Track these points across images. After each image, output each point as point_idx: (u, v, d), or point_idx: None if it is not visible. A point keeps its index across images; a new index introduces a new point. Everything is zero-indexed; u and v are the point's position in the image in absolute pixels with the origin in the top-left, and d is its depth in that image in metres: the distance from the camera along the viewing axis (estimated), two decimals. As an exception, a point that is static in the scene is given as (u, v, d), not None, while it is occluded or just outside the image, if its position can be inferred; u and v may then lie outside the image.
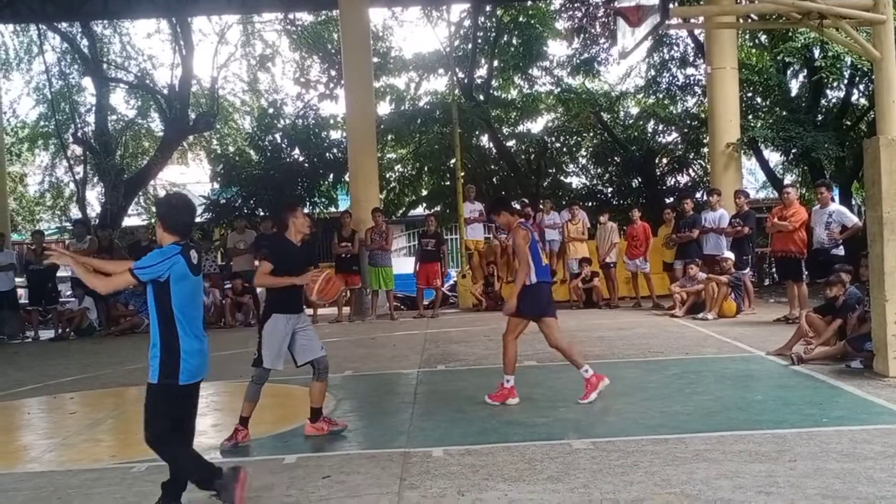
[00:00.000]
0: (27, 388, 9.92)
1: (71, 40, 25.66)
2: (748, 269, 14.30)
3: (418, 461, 5.80)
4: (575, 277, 16.09)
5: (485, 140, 25.90)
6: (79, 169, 26.23)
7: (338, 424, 6.93)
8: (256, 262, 15.45)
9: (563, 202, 20.57)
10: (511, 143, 26.49)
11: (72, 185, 27.49)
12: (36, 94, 27.50)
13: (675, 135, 24.83)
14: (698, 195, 21.37)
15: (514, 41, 25.33)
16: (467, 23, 25.39)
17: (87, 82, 26.97)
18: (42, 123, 28.13)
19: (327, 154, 24.06)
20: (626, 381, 8.51)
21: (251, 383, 6.76)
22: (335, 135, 24.80)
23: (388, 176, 25.33)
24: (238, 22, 26.61)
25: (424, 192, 26.45)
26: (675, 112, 24.51)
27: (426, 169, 25.59)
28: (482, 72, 26.09)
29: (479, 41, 25.35)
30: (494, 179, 25.54)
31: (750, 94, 20.94)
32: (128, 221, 26.23)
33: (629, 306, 15.82)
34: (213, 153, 28.03)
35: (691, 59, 23.27)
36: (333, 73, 24.87)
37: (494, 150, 25.99)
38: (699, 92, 23.14)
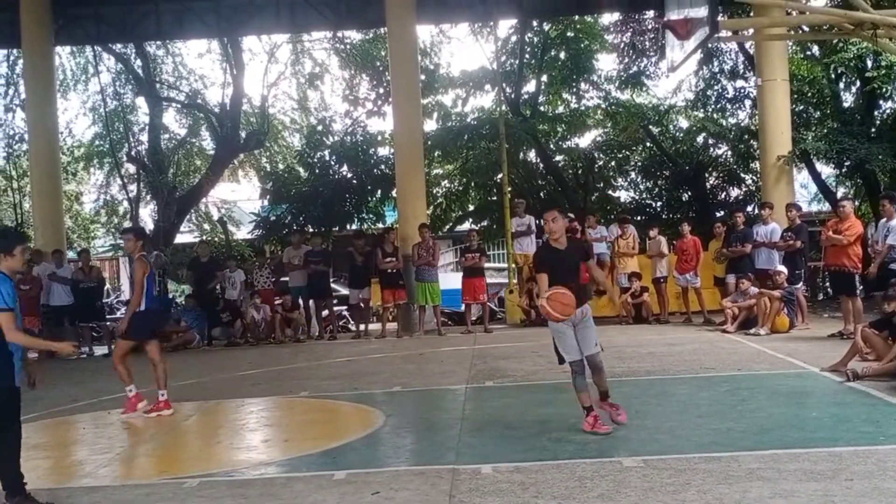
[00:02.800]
0: (82, 404, 10.08)
1: (125, 61, 26.21)
2: (801, 283, 14.06)
3: (467, 478, 5.78)
4: (625, 292, 15.93)
5: (532, 155, 25.86)
6: (132, 187, 26.76)
7: (615, 416, 7.10)
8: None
9: (612, 216, 20.47)
10: (559, 157, 26.42)
11: (126, 203, 28.04)
12: (91, 114, 28.16)
13: (725, 148, 24.59)
14: (749, 209, 21.11)
15: (562, 56, 25.30)
16: (514, 38, 25.41)
17: (141, 102, 27.61)
18: (97, 143, 28.69)
19: (375, 170, 24.24)
20: (677, 398, 8.40)
21: (575, 376, 7.02)
22: (383, 151, 24.98)
23: (434, 192, 25.40)
24: (288, 41, 26.99)
25: (471, 208, 26.48)
26: (725, 125, 24.27)
27: (473, 184, 25.61)
28: (529, 87, 26.11)
29: (527, 56, 25.35)
30: (542, 194, 25.47)
31: (802, 106, 20.67)
32: (180, 238, 26.62)
33: (679, 322, 15.63)
34: (263, 170, 28.44)
35: (741, 71, 23.05)
36: (381, 90, 25.06)
37: (542, 165, 25.94)
38: (749, 104, 22.89)
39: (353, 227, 24.85)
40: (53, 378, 12.98)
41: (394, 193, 20.67)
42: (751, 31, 15.36)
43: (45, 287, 16.24)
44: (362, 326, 16.65)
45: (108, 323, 17.62)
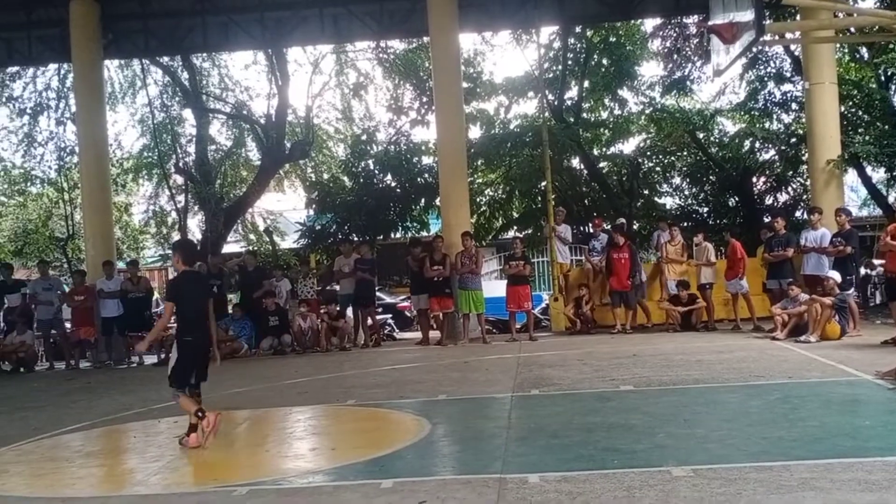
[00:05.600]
0: (133, 412, 10.21)
1: (172, 74, 26.60)
2: (852, 289, 13.83)
3: (514, 487, 5.75)
4: (673, 300, 15.77)
5: (576, 162, 25.78)
6: (180, 198, 27.14)
7: None
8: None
9: (657, 223, 20.34)
10: (603, 163, 26.30)
11: (174, 214, 28.42)
12: (139, 126, 28.56)
13: (772, 152, 24.28)
14: (798, 213, 20.82)
15: (605, 62, 25.20)
16: (557, 45, 25.40)
17: (188, 114, 27.96)
18: (145, 154, 29.12)
19: (419, 179, 24.33)
20: (726, 407, 8.29)
21: None
22: (426, 160, 25.07)
23: (478, 200, 25.41)
24: (332, 52, 27.18)
25: (515, 216, 26.44)
26: (772, 129, 23.96)
27: (516, 192, 25.58)
28: (572, 93, 26.04)
29: (569, 63, 25.29)
30: (586, 201, 25.37)
31: (851, 110, 20.33)
32: (227, 248, 26.93)
33: (728, 329, 15.45)
34: (309, 180, 28.67)
35: (788, 74, 22.74)
36: (425, 99, 25.16)
37: (586, 172, 25.84)
38: (797, 108, 22.58)
39: (397, 235, 24.97)
40: (104, 387, 13.21)
41: (437, 202, 20.70)
42: (798, 33, 15.17)
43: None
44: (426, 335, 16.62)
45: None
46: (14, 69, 25.88)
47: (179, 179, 27.57)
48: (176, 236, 29.14)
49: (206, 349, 8.08)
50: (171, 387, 7.88)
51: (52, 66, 25.69)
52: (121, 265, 19.35)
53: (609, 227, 17.38)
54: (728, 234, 16.10)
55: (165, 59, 25.58)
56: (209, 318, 8.05)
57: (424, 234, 24.32)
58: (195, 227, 28.86)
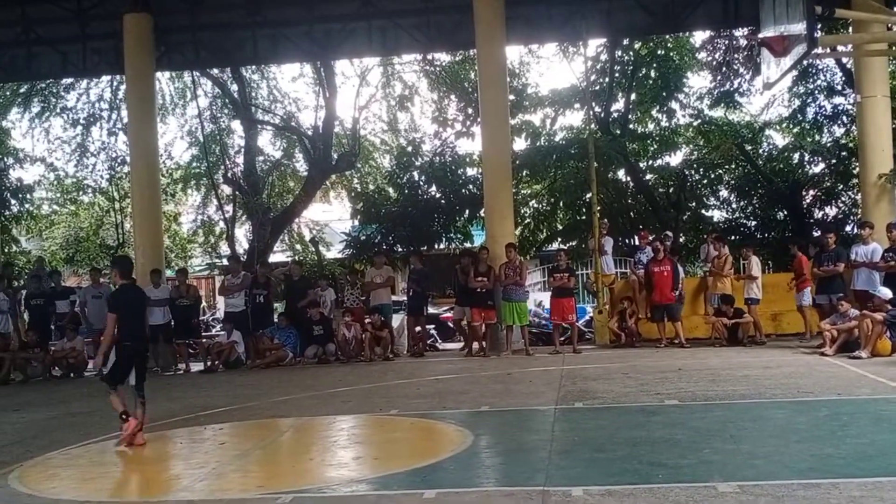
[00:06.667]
0: (179, 419, 10.35)
1: (222, 85, 26.94)
2: (904, 305, 13.57)
3: (558, 500, 5.72)
4: (718, 314, 15.60)
5: (622, 174, 25.64)
6: (228, 208, 27.47)
7: None
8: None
9: (704, 236, 20.15)
10: (649, 176, 26.12)
11: (221, 224, 28.74)
12: (189, 137, 28.90)
13: (821, 166, 23.94)
14: (848, 228, 20.49)
15: (652, 74, 25.06)
16: (604, 57, 25.30)
17: (237, 125, 28.31)
18: (194, 165, 29.51)
19: (463, 190, 24.34)
20: (773, 422, 8.18)
21: None
22: (471, 171, 25.05)
23: (522, 211, 25.36)
24: (378, 64, 27.34)
25: (559, 227, 26.33)
26: (822, 142, 23.64)
27: (561, 204, 25.48)
28: (619, 105, 25.92)
29: (616, 75, 25.19)
30: (632, 213, 25.21)
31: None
32: (273, 258, 27.18)
33: (777, 344, 15.24)
34: (354, 191, 28.81)
35: (839, 87, 22.43)
36: (470, 110, 25.18)
37: (632, 184, 25.68)
38: (848, 121, 22.25)
39: (441, 246, 25.01)
40: (151, 393, 13.38)
41: (482, 213, 20.71)
42: (850, 46, 14.97)
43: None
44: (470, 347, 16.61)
45: (203, 340, 18.11)
46: (68, 81, 26.42)
47: (227, 190, 27.91)
48: (224, 246, 29.53)
49: (144, 354, 9.06)
50: (105, 384, 8.70)
51: (105, 78, 26.18)
52: (169, 273, 19.58)
53: (653, 238, 17.28)
54: (795, 248, 16.00)
55: (215, 71, 25.92)
56: (146, 326, 9.33)
57: (468, 245, 24.33)
58: (242, 236, 29.20)
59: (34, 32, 20.66)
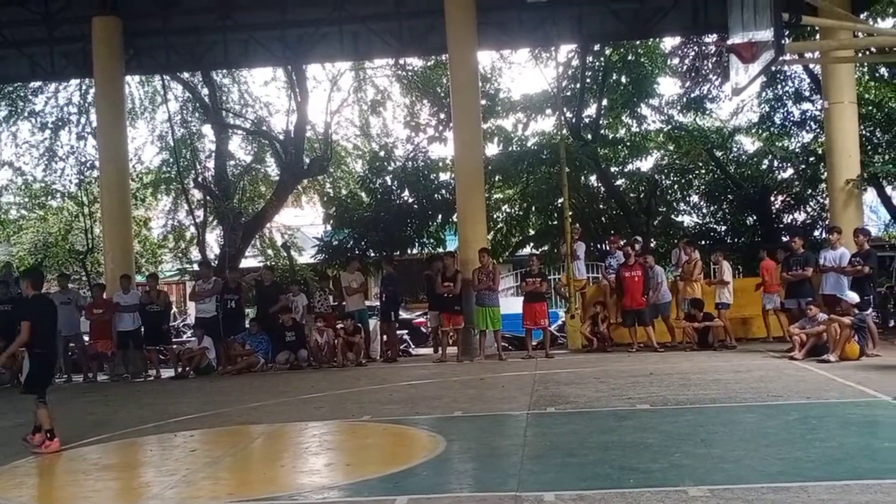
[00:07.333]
0: (149, 426, 10.25)
1: (192, 89, 26.77)
2: (871, 309, 13.74)
3: (530, 505, 5.74)
4: (688, 319, 15.71)
5: (593, 179, 25.78)
6: (199, 213, 27.31)
7: None
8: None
9: (674, 241, 20.29)
10: (620, 181, 26.28)
11: (192, 229, 28.56)
12: (159, 141, 28.67)
13: (790, 171, 24.20)
14: (817, 233, 20.72)
15: (623, 80, 25.22)
16: (575, 62, 25.44)
17: (207, 129, 28.11)
18: (165, 169, 29.19)
19: (436, 195, 24.35)
20: (743, 426, 8.24)
21: None
22: (444, 176, 25.09)
23: (495, 216, 25.42)
24: (350, 69, 27.29)
25: (532, 232, 26.43)
26: (790, 148, 23.90)
27: (533, 209, 25.58)
28: (590, 111, 26.09)
29: (588, 80, 25.33)
30: (603, 218, 25.35)
31: (870, 129, 20.25)
32: (244, 263, 27.02)
33: (747, 349, 15.37)
34: (326, 196, 28.75)
35: (807, 93, 22.70)
36: (443, 115, 25.23)
37: (603, 189, 25.82)
38: (816, 127, 22.52)
39: (414, 251, 25.00)
40: (121, 400, 13.27)
41: (454, 218, 20.73)
42: (817, 53, 15.13)
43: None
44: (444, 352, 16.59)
45: (174, 346, 17.96)
46: (36, 84, 26.13)
47: (198, 194, 27.74)
48: (195, 251, 29.31)
49: (54, 360, 9.75)
50: (30, 395, 8.92)
51: (74, 82, 25.95)
52: (139, 279, 19.41)
53: (624, 243, 17.37)
54: (763, 252, 16.17)
55: (186, 74, 25.77)
56: (56, 334, 9.81)
57: (441, 250, 24.33)
58: (213, 241, 29.03)
59: (1, 35, 20.43)
